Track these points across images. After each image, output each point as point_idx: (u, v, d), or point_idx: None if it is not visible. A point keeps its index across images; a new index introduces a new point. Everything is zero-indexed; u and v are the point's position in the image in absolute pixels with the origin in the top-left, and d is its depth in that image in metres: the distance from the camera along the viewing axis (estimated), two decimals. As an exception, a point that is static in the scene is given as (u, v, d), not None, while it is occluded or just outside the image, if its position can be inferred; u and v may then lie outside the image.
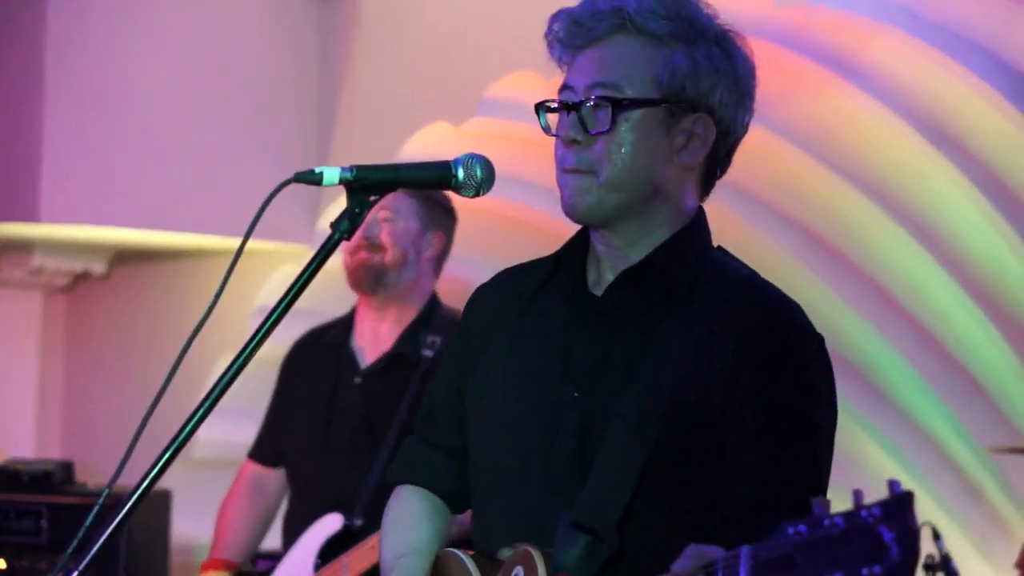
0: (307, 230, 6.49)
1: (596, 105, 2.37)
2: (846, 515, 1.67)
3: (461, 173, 2.33)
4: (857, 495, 1.68)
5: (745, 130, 2.48)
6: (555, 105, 2.42)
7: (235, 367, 2.22)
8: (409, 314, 4.34)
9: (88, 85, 6.25)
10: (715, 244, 2.52)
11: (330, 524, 4.24)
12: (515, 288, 2.53)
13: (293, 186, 2.22)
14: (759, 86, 5.72)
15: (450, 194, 2.88)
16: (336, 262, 2.32)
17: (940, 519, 4.88)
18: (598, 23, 2.39)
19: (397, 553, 2.53)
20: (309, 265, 2.27)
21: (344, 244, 2.46)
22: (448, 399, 2.56)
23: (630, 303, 2.39)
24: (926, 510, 5.19)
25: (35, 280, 7.24)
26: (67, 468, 5.33)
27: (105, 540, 2.17)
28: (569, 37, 2.41)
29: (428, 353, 4.25)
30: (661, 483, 2.30)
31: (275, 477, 4.52)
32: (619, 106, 2.36)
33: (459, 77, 6.09)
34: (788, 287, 5.40)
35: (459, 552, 2.44)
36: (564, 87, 2.42)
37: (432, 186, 2.38)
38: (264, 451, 4.53)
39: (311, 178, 2.25)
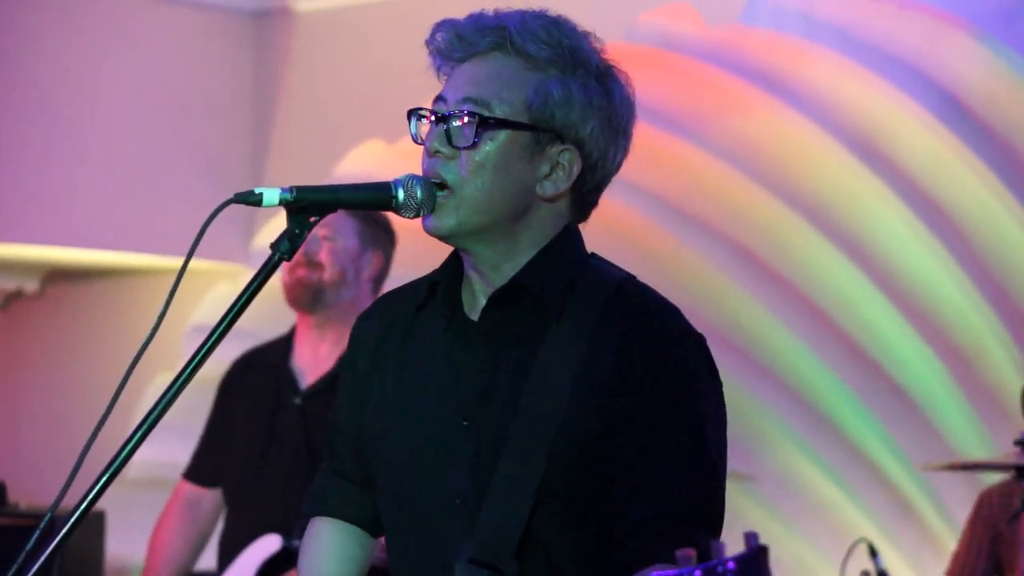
0: (242, 249, 6.48)
1: (464, 120, 2.33)
2: (704, 569, 1.69)
3: (401, 194, 2.31)
4: (716, 548, 1.69)
5: (617, 168, 2.41)
6: (426, 114, 2.38)
7: (175, 388, 2.20)
8: (348, 335, 4.33)
9: (21, 103, 6.22)
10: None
11: (268, 545, 4.21)
12: (395, 313, 2.48)
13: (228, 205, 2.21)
14: (690, 103, 5.76)
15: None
16: (273, 281, 2.32)
17: (873, 535, 4.92)
18: (479, 38, 2.35)
19: None
20: (249, 286, 2.25)
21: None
22: (347, 430, 2.52)
23: (506, 326, 2.36)
24: (860, 527, 5.23)
25: (-33, 299, 7.21)
26: (-1, 489, 5.30)
27: (34, 561, 2.15)
28: (449, 49, 2.37)
29: None
30: (556, 508, 2.28)
31: (210, 497, 4.50)
32: (485, 124, 2.32)
33: (393, 95, 6.08)
34: (720, 304, 5.48)
35: None
36: (438, 98, 2.38)
37: (372, 207, 2.36)
38: (200, 471, 4.51)
39: (251, 199, 2.23)
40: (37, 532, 2.19)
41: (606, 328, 2.31)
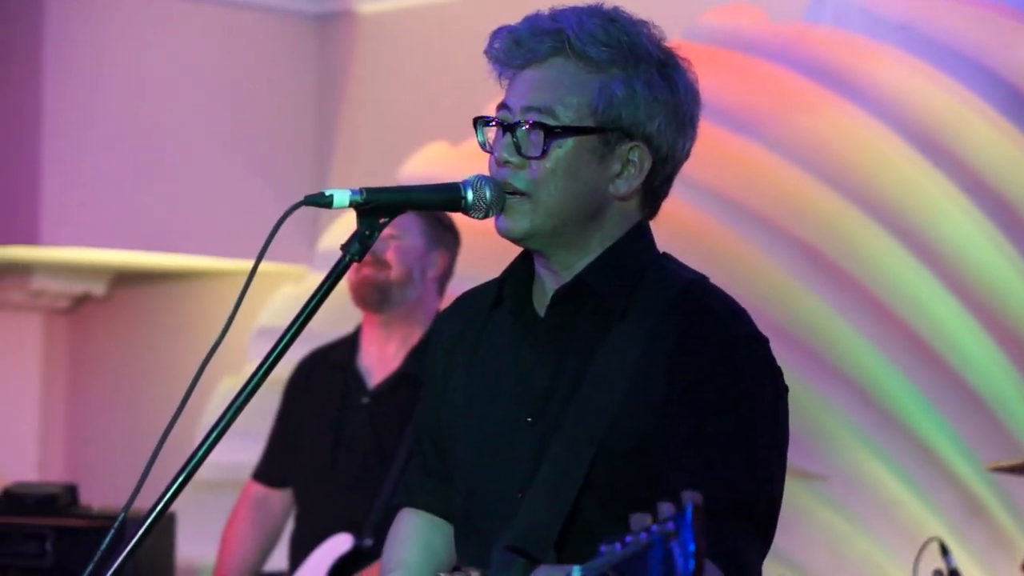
0: (307, 251, 6.51)
1: (530, 129, 2.33)
2: (648, 531, 1.70)
3: (471, 195, 2.33)
4: (661, 509, 1.71)
5: (686, 156, 2.43)
6: (493, 121, 2.39)
7: (247, 390, 2.22)
8: (415, 334, 4.34)
9: (87, 108, 6.27)
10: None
11: (340, 544, 4.23)
12: (470, 312, 2.51)
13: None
14: (754, 102, 5.75)
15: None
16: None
17: (943, 535, 4.88)
18: (538, 44, 2.35)
19: (386, 569, 2.55)
20: (320, 288, 2.27)
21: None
22: (428, 426, 2.56)
23: (570, 323, 2.37)
24: (930, 527, 5.20)
25: (35, 303, 7.25)
26: (71, 491, 5.32)
27: (108, 563, 2.17)
28: (508, 57, 2.37)
29: None
30: (602, 500, 2.29)
31: (280, 497, 4.52)
32: (551, 133, 2.32)
33: (457, 96, 6.10)
34: (786, 303, 5.45)
35: (443, 575, 2.45)
36: (502, 105, 2.39)
37: (441, 208, 2.37)
38: (269, 472, 4.53)
39: (321, 201, 2.25)
40: (111, 533, 2.21)
41: (667, 328, 2.32)
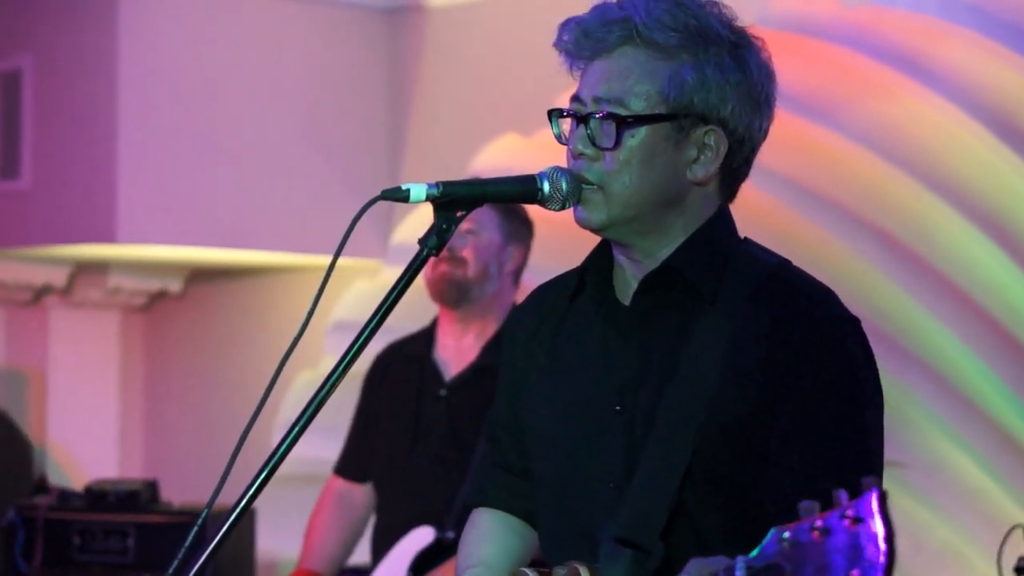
0: (381, 245, 6.52)
1: (602, 120, 2.33)
2: (826, 518, 1.67)
3: (547, 187, 2.32)
4: (838, 496, 1.68)
5: (764, 136, 2.41)
6: (567, 113, 2.38)
7: (328, 385, 2.22)
8: (491, 327, 4.35)
9: (161, 107, 6.31)
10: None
11: (422, 537, 4.24)
12: (548, 304, 2.50)
13: (363, 200, 2.22)
14: (827, 88, 5.69)
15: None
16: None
17: (1025, 521, 4.84)
18: (607, 34, 2.34)
19: (463, 567, 2.54)
20: (399, 282, 2.27)
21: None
22: (506, 420, 2.55)
23: (658, 310, 2.36)
24: (1011, 514, 5.15)
25: (112, 300, 7.31)
26: (152, 487, 5.37)
27: (190, 559, 2.19)
28: (577, 48, 2.36)
29: None
30: (703, 490, 2.28)
31: (362, 492, 4.54)
32: (624, 123, 2.32)
33: (528, 88, 6.10)
34: (864, 291, 5.41)
35: (528, 570, 2.44)
36: (575, 97, 2.38)
37: (518, 200, 2.37)
38: (350, 466, 4.55)
39: (398, 195, 2.25)
40: (195, 529, 2.22)
41: (757, 312, 2.31)
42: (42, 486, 5.62)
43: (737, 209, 2.48)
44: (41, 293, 7.22)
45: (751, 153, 2.41)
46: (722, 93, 2.34)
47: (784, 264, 2.40)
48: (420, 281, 4.32)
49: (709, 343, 2.31)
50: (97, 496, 5.39)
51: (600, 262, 2.43)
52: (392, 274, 6.35)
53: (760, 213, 5.42)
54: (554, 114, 2.41)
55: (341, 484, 4.56)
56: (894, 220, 5.52)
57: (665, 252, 2.37)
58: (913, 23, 5.44)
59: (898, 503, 5.34)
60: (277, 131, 6.51)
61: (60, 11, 6.41)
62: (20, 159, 6.47)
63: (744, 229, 2.49)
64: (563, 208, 2.34)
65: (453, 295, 4.31)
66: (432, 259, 2.28)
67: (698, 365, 2.30)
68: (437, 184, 2.27)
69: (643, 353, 2.36)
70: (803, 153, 5.55)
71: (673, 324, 2.35)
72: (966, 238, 5.39)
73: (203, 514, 2.20)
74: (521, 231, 4.39)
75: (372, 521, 4.54)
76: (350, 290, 6.61)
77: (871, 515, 1.62)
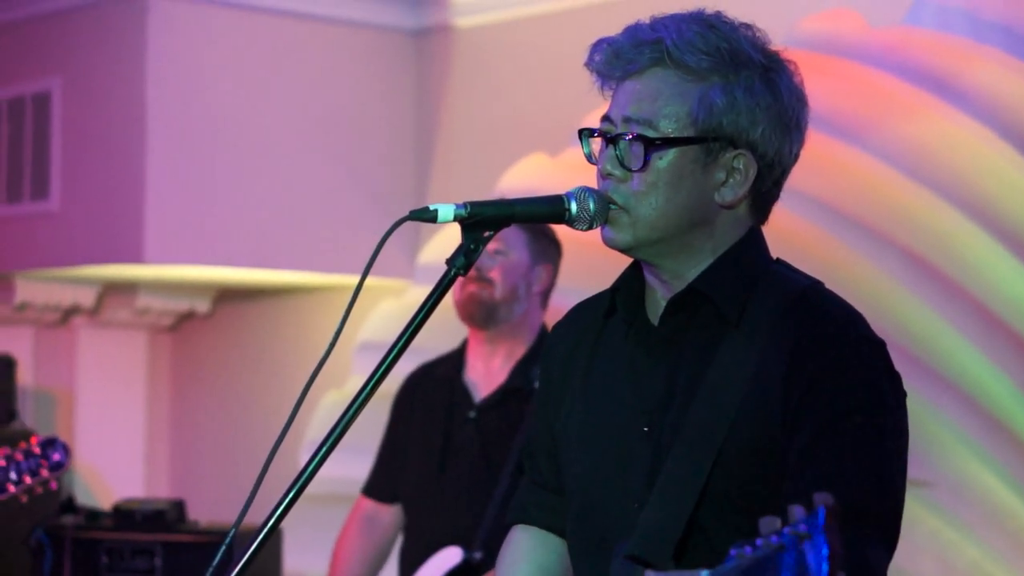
0: (407, 266, 6.53)
1: (631, 141, 2.32)
2: (779, 534, 1.68)
3: (574, 207, 2.32)
4: (791, 512, 1.68)
5: (795, 160, 2.40)
6: (596, 133, 2.38)
7: (355, 405, 2.22)
8: (520, 348, 4.35)
9: (189, 128, 6.33)
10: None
11: (449, 557, 4.24)
12: (584, 323, 2.50)
13: (390, 220, 2.23)
14: (855, 108, 5.67)
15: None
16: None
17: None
18: (638, 55, 2.33)
19: None
20: (426, 302, 2.27)
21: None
22: (542, 439, 2.56)
23: (685, 331, 2.36)
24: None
25: (140, 320, 7.33)
26: (179, 507, 5.38)
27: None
28: (608, 68, 2.36)
29: None
30: (719, 509, 2.27)
31: (390, 513, 4.54)
32: (652, 145, 2.31)
33: (554, 108, 6.11)
34: (891, 310, 5.39)
35: None
36: (605, 117, 2.38)
37: (545, 220, 2.37)
38: (378, 487, 4.54)
39: (426, 215, 2.25)
40: (222, 549, 2.22)
41: (782, 335, 2.30)
42: (70, 505, 5.63)
43: (765, 228, 2.47)
44: (69, 313, 7.25)
45: (781, 176, 2.40)
46: (752, 116, 2.34)
47: (814, 286, 2.39)
48: (449, 301, 4.34)
49: (732, 365, 2.30)
50: (124, 515, 5.40)
51: (631, 282, 2.44)
52: (419, 294, 6.35)
53: (786, 233, 5.41)
54: (584, 133, 2.41)
55: (369, 505, 4.56)
56: (922, 240, 5.51)
57: (693, 273, 2.37)
58: (941, 43, 5.43)
59: (925, 522, 5.35)
60: (304, 152, 6.52)
61: (89, 34, 6.44)
62: (49, 180, 6.50)
63: (771, 249, 2.49)
64: (590, 228, 2.34)
65: (481, 316, 4.31)
66: (460, 280, 2.28)
67: (720, 386, 2.29)
68: (465, 204, 2.27)
69: (670, 374, 2.36)
70: (830, 173, 5.54)
71: (699, 345, 2.35)
72: (994, 257, 5.38)
73: (230, 533, 2.20)
74: (549, 251, 4.38)
75: (399, 542, 4.54)
76: (377, 310, 6.62)
77: (818, 531, 1.63)
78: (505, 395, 4.30)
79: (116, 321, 7.32)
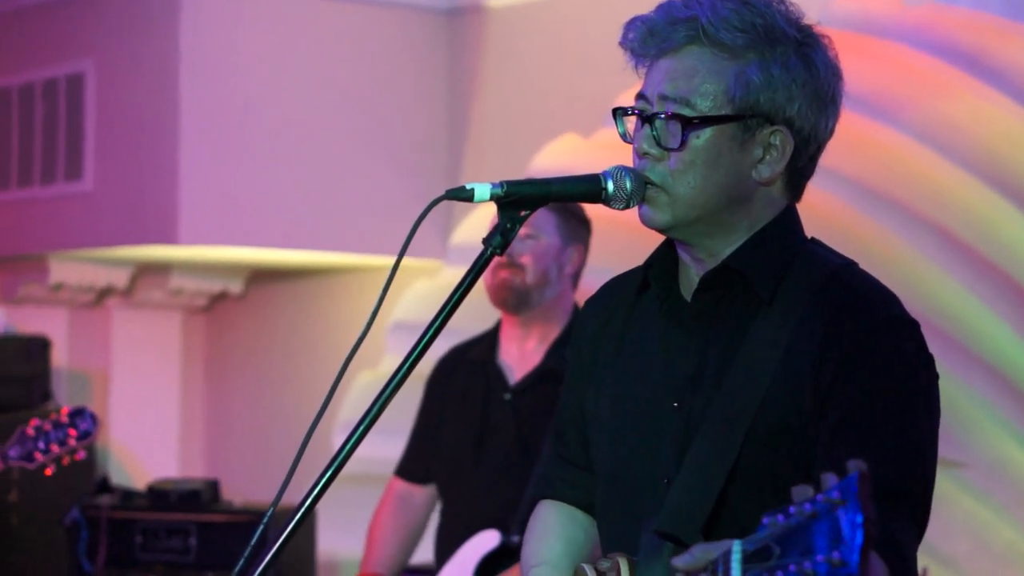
0: (440, 246, 6.53)
1: (667, 120, 2.31)
2: (812, 502, 1.67)
3: (611, 186, 2.31)
4: (824, 480, 1.68)
5: (830, 135, 2.39)
6: (631, 111, 2.37)
7: (391, 386, 2.22)
8: (554, 330, 4.34)
9: (222, 109, 6.34)
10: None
11: (487, 540, 4.24)
12: (616, 299, 2.50)
13: (423, 201, 2.22)
14: (890, 87, 5.65)
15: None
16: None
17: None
18: (673, 33, 2.32)
19: (529, 564, 2.54)
20: (462, 282, 2.27)
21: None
22: (572, 415, 2.55)
23: (717, 308, 2.36)
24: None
25: (174, 301, 7.35)
26: (213, 487, 5.40)
27: (255, 558, 2.19)
28: (643, 47, 2.35)
29: None
30: (749, 486, 2.27)
31: (423, 493, 4.55)
32: (689, 123, 2.30)
33: (587, 88, 6.10)
34: (925, 290, 5.38)
35: (587, 567, 2.44)
36: (640, 95, 2.37)
37: (582, 199, 2.36)
38: (412, 468, 4.55)
39: (462, 195, 2.25)
40: (258, 531, 2.23)
41: (815, 313, 2.29)
42: (105, 486, 5.66)
43: (799, 208, 2.47)
44: (103, 294, 7.27)
45: (817, 152, 2.39)
46: (788, 93, 2.33)
47: (848, 265, 2.38)
48: (482, 283, 4.33)
49: (764, 342, 2.29)
50: (159, 496, 5.43)
51: (665, 259, 2.43)
52: (452, 274, 6.36)
53: (820, 212, 5.39)
54: (619, 112, 2.40)
55: (402, 486, 4.57)
56: (955, 218, 5.49)
57: (728, 250, 2.36)
58: (975, 21, 5.41)
59: (959, 503, 5.34)
60: (337, 132, 6.53)
61: (121, 15, 6.45)
62: (83, 161, 6.52)
63: (806, 228, 2.48)
64: (627, 207, 2.33)
65: (514, 302, 4.30)
66: (492, 265, 2.27)
67: (752, 364, 2.29)
68: (501, 184, 2.27)
69: (702, 350, 2.36)
70: (864, 151, 5.52)
71: (732, 322, 2.34)
72: (1028, 237, 5.36)
73: (268, 513, 2.21)
74: (579, 231, 4.37)
75: (435, 523, 4.55)
76: (410, 290, 6.63)
77: (852, 497, 1.63)
78: (540, 377, 4.30)
79: (150, 302, 7.34)
